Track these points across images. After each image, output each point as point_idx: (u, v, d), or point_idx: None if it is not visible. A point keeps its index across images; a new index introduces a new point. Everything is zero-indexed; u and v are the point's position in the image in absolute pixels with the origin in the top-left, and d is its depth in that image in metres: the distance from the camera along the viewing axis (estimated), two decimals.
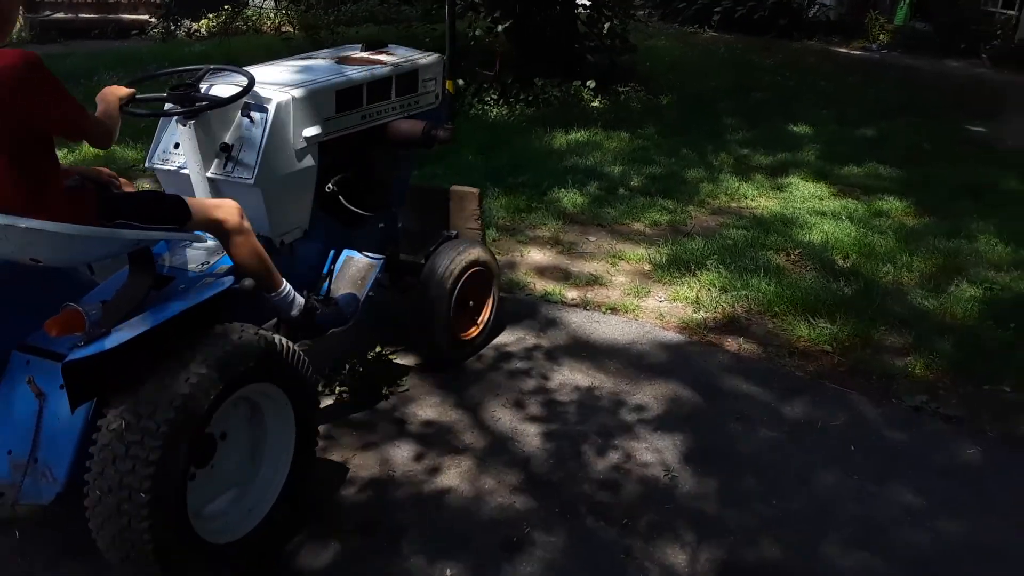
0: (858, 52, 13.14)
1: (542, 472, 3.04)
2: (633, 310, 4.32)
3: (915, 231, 5.52)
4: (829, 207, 6.00)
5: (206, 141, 2.84)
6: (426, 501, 2.88)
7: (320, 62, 3.38)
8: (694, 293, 4.52)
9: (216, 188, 2.87)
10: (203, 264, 2.75)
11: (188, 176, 2.87)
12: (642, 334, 4.07)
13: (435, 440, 3.20)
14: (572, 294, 4.49)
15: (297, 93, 2.93)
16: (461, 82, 7.93)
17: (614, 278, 4.76)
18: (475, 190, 3.83)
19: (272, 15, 13.17)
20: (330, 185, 3.18)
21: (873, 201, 6.14)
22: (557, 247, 5.15)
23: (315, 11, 12.97)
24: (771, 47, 12.85)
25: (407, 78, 3.45)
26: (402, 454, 3.12)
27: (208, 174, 2.85)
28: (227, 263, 2.73)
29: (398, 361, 3.68)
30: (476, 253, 3.59)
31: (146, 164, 3.06)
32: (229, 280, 2.54)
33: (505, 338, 3.97)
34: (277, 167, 2.89)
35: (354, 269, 3.21)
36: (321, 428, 3.01)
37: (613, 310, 4.33)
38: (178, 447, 2.19)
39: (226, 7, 12.75)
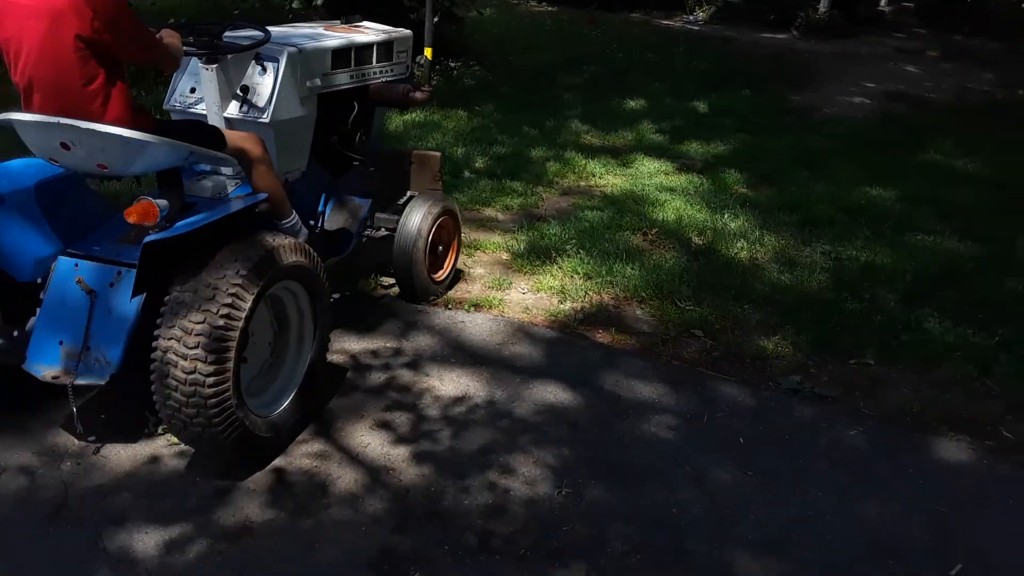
0: (678, 24, 13.44)
1: (423, 504, 2.72)
2: (497, 305, 4.05)
3: (758, 204, 5.58)
4: (676, 183, 5.98)
5: (225, 85, 3.23)
6: (291, 558, 2.49)
7: (312, 28, 3.87)
8: (558, 282, 4.31)
9: (232, 127, 3.18)
10: (220, 193, 3.15)
11: (204, 116, 3.25)
12: (511, 332, 3.81)
13: (298, 479, 2.81)
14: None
15: (303, 48, 3.37)
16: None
17: (472, 270, 4.47)
18: (437, 153, 4.25)
19: None
20: (330, 135, 3.69)
21: (715, 176, 6.18)
22: None
23: None
24: (595, 19, 12.89)
25: (385, 47, 3.88)
26: (260, 502, 2.70)
27: (225, 114, 3.24)
28: (242, 192, 3.13)
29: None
30: (446, 204, 4.00)
31: (164, 105, 3.41)
32: (254, 198, 2.94)
33: (362, 344, 3.60)
34: (286, 110, 3.31)
35: (345, 209, 3.69)
36: None
37: (476, 306, 4.04)
38: (237, 324, 2.50)
39: None
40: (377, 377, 3.39)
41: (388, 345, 3.63)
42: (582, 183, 5.98)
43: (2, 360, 2.80)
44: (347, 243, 3.58)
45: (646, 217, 5.22)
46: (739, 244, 4.86)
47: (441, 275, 4.11)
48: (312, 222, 3.55)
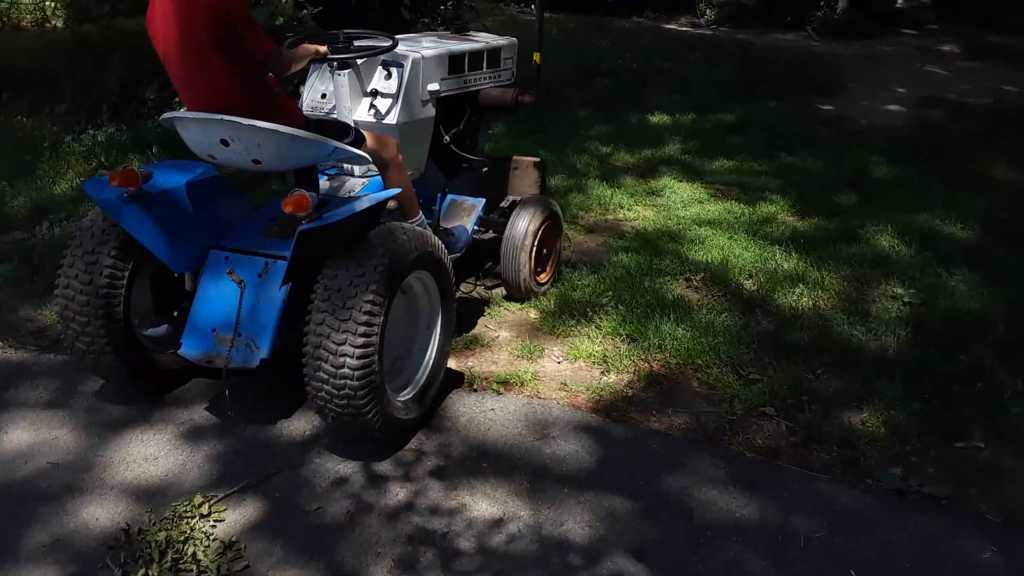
0: (689, 29, 12.86)
1: None
2: (530, 381, 3.46)
3: (809, 237, 4.98)
4: (713, 213, 5.38)
5: (355, 89, 3.48)
6: None
7: (425, 37, 4.10)
8: (598, 347, 3.71)
9: (361, 128, 3.32)
10: (350, 192, 3.47)
11: (335, 120, 3.40)
12: (550, 419, 3.21)
13: None
14: (450, 364, 3.56)
15: (426, 54, 3.58)
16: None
17: (497, 334, 3.88)
18: (540, 159, 4.38)
19: (32, 8, 11.16)
20: (445, 137, 3.88)
21: (755, 202, 5.58)
22: None
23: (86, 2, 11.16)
24: (603, 26, 12.31)
25: (494, 55, 4.07)
26: None
27: (355, 117, 3.47)
28: (370, 191, 3.38)
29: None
30: (552, 208, 4.10)
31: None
32: (388, 193, 3.06)
33: (371, 450, 3.00)
34: (412, 112, 3.55)
35: (460, 209, 3.86)
36: None
37: (506, 384, 3.44)
38: (379, 308, 2.67)
39: None
40: (396, 494, 2.79)
41: (409, 447, 3.03)
42: (609, 217, 5.38)
43: (157, 347, 3.11)
44: (462, 241, 3.73)
45: (687, 259, 4.62)
46: (797, 290, 4.26)
47: (545, 277, 4.18)
48: (429, 220, 3.65)
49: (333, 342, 2.64)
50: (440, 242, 3.08)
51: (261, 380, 3.17)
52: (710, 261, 4.59)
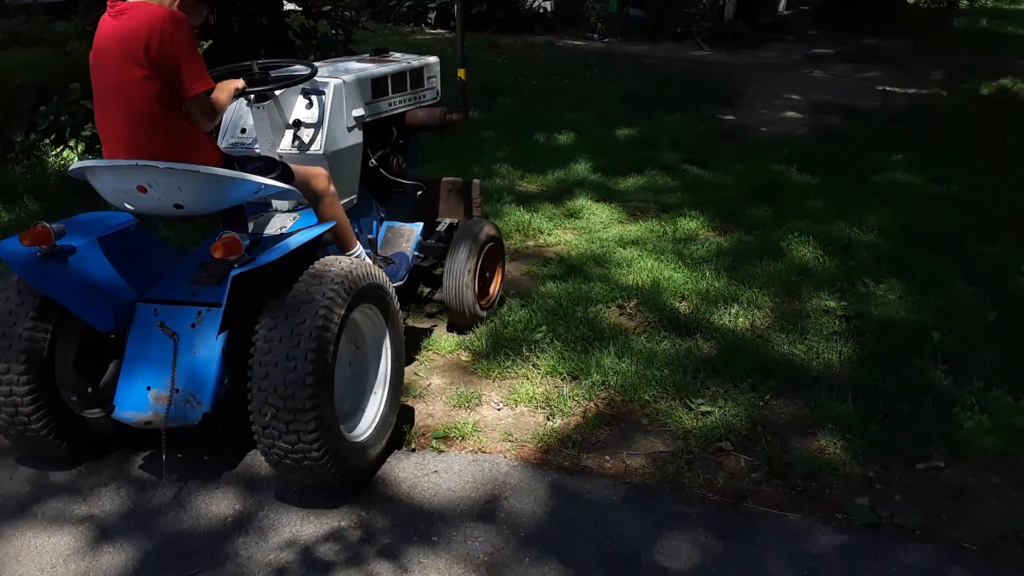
0: (582, 43, 12.87)
1: None
2: (472, 434, 3.20)
3: (734, 252, 4.91)
4: (635, 233, 5.26)
5: (275, 121, 3.33)
6: None
7: (343, 61, 3.95)
8: (539, 389, 3.49)
9: (286, 161, 3.19)
10: (280, 228, 3.29)
11: (259, 155, 3.23)
12: (499, 477, 2.97)
13: None
14: None
15: (347, 79, 3.44)
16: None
17: (428, 382, 3.61)
18: (476, 180, 4.31)
19: None
20: (372, 161, 3.73)
21: (674, 219, 5.48)
22: None
23: None
24: (496, 43, 12.18)
25: (416, 74, 3.97)
26: None
27: (279, 150, 3.33)
28: (303, 226, 3.19)
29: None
30: (492, 231, 4.00)
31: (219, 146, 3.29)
32: (321, 227, 2.93)
33: (314, 527, 2.68)
34: (338, 140, 3.40)
35: (398, 236, 3.84)
36: None
37: (446, 440, 3.18)
38: (327, 351, 2.55)
39: None
40: None
41: (345, 524, 2.72)
42: (530, 243, 5.19)
43: (86, 412, 2.86)
44: (403, 269, 3.69)
45: (617, 284, 4.46)
46: (732, 310, 4.15)
47: (487, 301, 4.07)
48: (368, 250, 3.57)
49: (280, 395, 2.49)
50: (381, 271, 2.96)
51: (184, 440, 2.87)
52: (640, 284, 4.44)
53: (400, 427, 3.16)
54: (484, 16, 13.42)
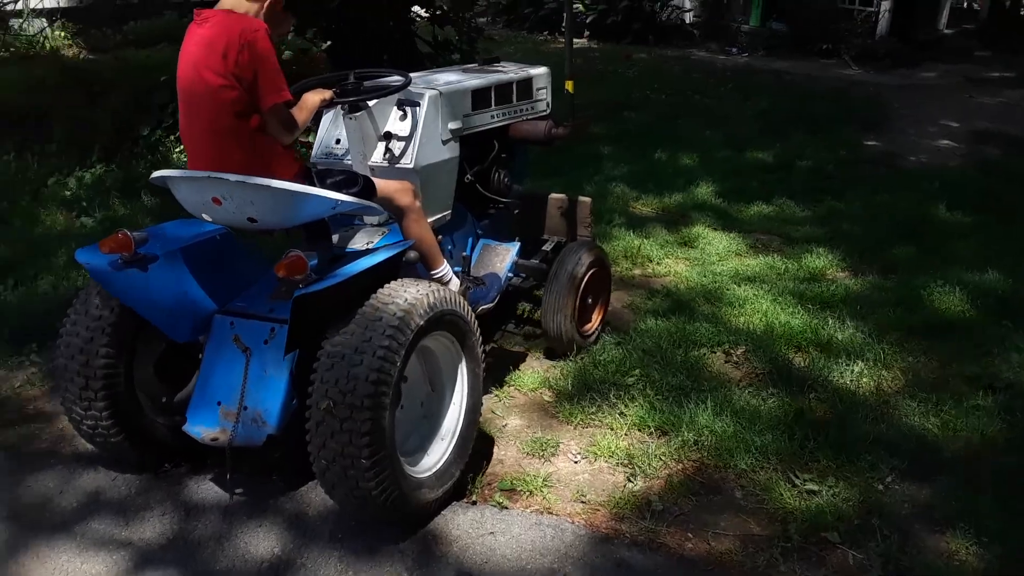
0: (720, 57, 12.31)
1: None
2: (540, 489, 2.88)
3: (865, 299, 4.37)
4: (753, 268, 4.80)
5: (369, 132, 3.19)
6: None
7: (450, 71, 3.82)
8: (622, 443, 3.14)
9: (376, 175, 3.08)
10: (368, 243, 3.09)
11: (350, 167, 3.16)
12: (562, 547, 2.63)
13: None
14: None
15: (443, 90, 3.30)
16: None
17: (505, 422, 3.32)
18: (587, 199, 4.09)
19: (41, 39, 10.86)
20: (469, 176, 3.54)
21: (799, 255, 4.98)
22: None
23: (98, 32, 10.84)
24: (629, 55, 11.80)
25: (524, 86, 3.81)
26: None
27: (370, 162, 3.20)
28: (390, 242, 3.06)
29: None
30: (598, 254, 3.80)
31: (312, 158, 3.35)
32: (402, 246, 2.82)
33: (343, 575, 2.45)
34: (431, 154, 3.24)
35: (493, 255, 3.65)
36: None
37: (511, 493, 2.87)
38: (390, 378, 2.39)
39: None
40: None
41: None
42: (636, 272, 4.82)
43: (159, 418, 2.83)
44: (493, 291, 3.49)
45: (726, 325, 4.03)
46: (856, 367, 3.65)
47: (590, 328, 3.85)
48: (460, 268, 3.44)
49: (337, 439, 2.36)
50: (461, 298, 2.78)
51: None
52: (752, 329, 4.00)
53: (465, 473, 2.88)
54: (619, 27, 13.08)
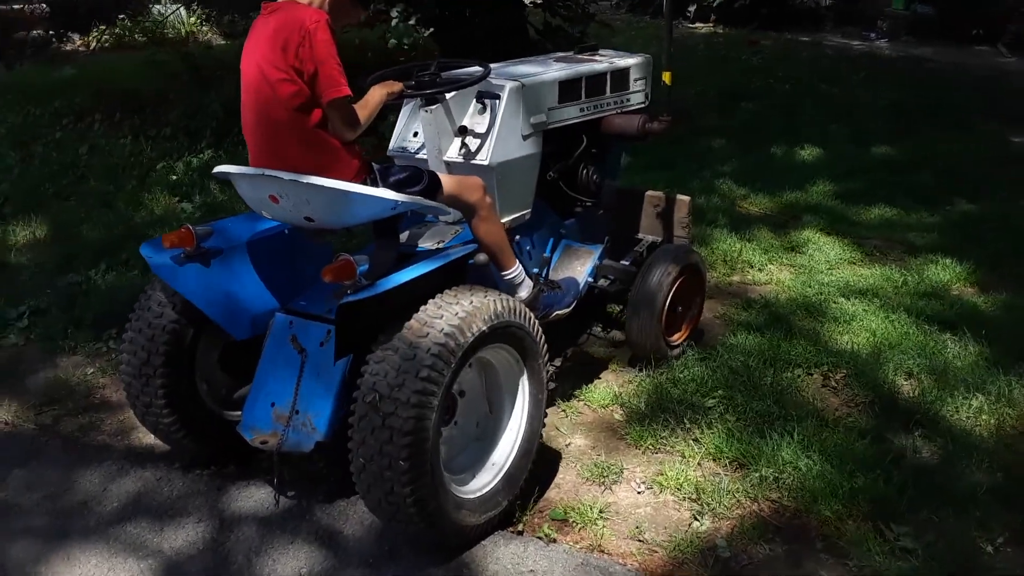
0: (856, 43, 11.49)
1: None
2: (595, 522, 2.64)
3: (994, 320, 3.88)
4: (866, 280, 4.35)
5: (445, 126, 3.01)
6: None
7: (538, 60, 3.60)
8: (692, 473, 2.85)
9: (453, 171, 2.98)
10: (439, 241, 3.02)
11: (426, 161, 3.02)
12: None
13: None
14: None
15: (526, 82, 3.12)
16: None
17: (568, 441, 3.09)
18: (687, 197, 3.80)
19: (179, 24, 11.30)
20: (551, 173, 3.36)
21: (922, 266, 4.50)
22: None
23: (231, 18, 11.16)
24: (755, 40, 11.18)
25: (619, 76, 3.58)
26: None
27: (445, 157, 3.02)
28: (461, 241, 2.96)
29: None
30: (691, 259, 3.56)
31: (389, 151, 3.25)
32: (467, 249, 2.70)
33: None
34: (508, 150, 3.07)
35: (573, 257, 3.47)
36: None
37: (562, 524, 2.65)
38: (436, 389, 2.26)
39: (121, 16, 10.88)
40: None
41: None
42: (734, 279, 4.46)
43: (226, 414, 2.79)
44: (570, 296, 3.29)
45: (826, 344, 3.65)
46: (974, 402, 3.22)
47: (678, 338, 3.63)
48: (537, 270, 3.25)
49: (377, 436, 2.24)
50: (528, 311, 2.61)
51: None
52: (857, 350, 3.60)
53: (513, 502, 2.67)
54: (746, 10, 12.42)
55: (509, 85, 3.06)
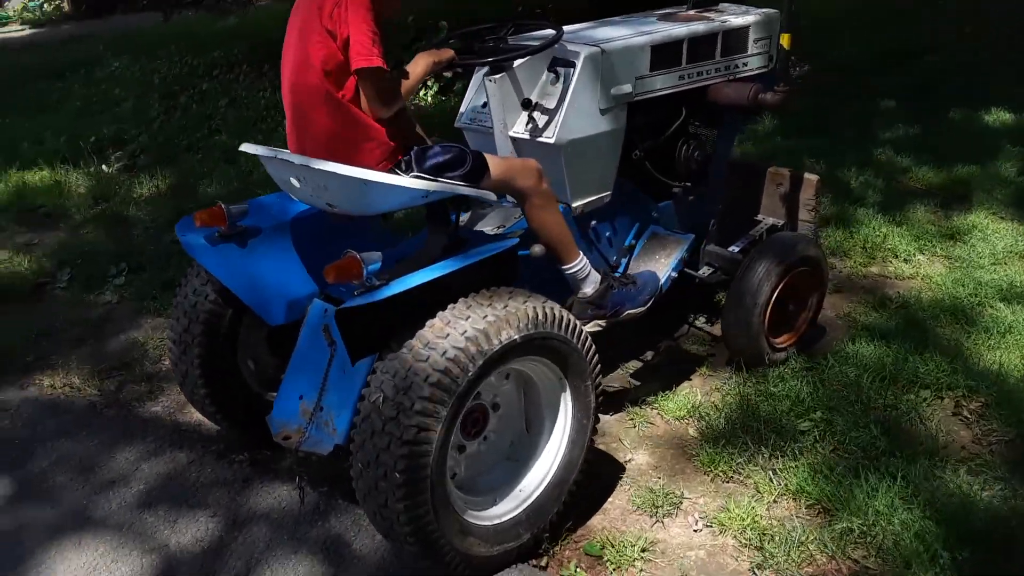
0: None
1: None
2: (632, 564, 2.29)
3: None
4: None
5: (511, 98, 2.70)
6: None
7: (636, 20, 3.14)
8: (763, 512, 2.43)
9: (519, 147, 2.73)
10: (499, 227, 2.75)
11: (445, 146, 2.63)
12: None
13: None
14: None
15: (607, 46, 2.72)
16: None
17: (629, 457, 2.73)
18: (815, 177, 3.31)
19: None
20: (637, 151, 2.95)
21: None
22: None
23: None
24: None
25: (734, 36, 3.10)
26: None
27: (511, 133, 2.73)
28: (522, 228, 2.68)
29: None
30: (807, 250, 3.08)
31: (456, 124, 2.99)
32: (511, 242, 2.34)
33: None
34: (581, 126, 2.71)
35: (658, 246, 3.07)
36: None
37: (595, 562, 2.31)
38: (446, 399, 2.00)
39: None
40: None
41: None
42: (872, 270, 3.85)
43: (264, 395, 2.67)
44: (646, 293, 2.83)
45: (967, 362, 3.04)
46: None
47: (786, 341, 3.16)
48: (616, 259, 2.98)
49: (376, 441, 2.03)
50: (566, 315, 2.24)
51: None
52: (1004, 372, 2.97)
53: (538, 536, 2.35)
54: None
55: (585, 51, 2.67)
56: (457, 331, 2.03)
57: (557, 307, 2.23)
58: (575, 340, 2.25)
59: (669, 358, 3.22)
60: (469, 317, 2.07)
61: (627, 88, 2.78)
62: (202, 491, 2.65)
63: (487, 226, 2.83)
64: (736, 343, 3.07)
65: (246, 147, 2.44)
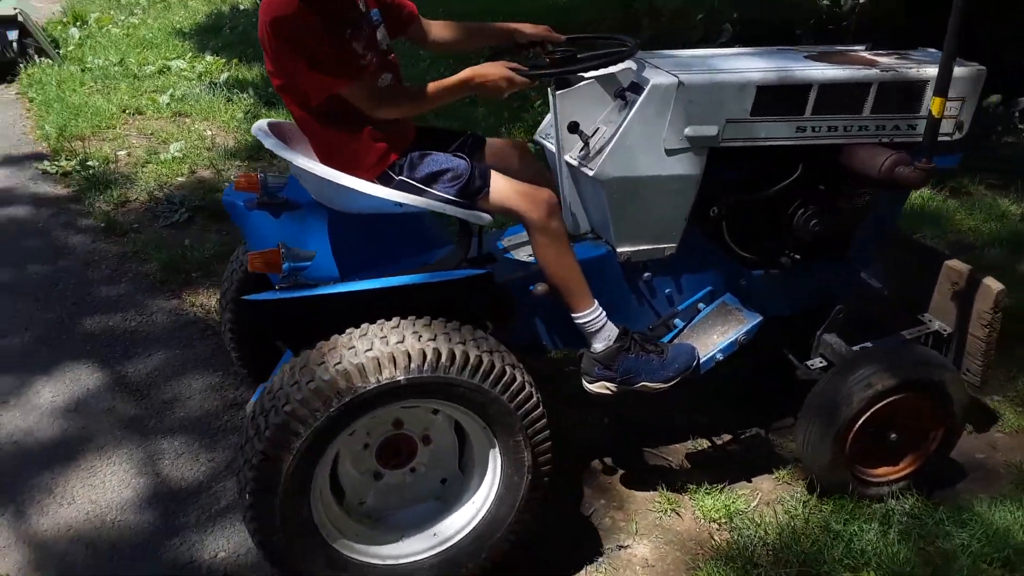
0: None
1: None
2: None
3: None
4: None
5: (566, 118, 2.40)
6: None
7: (777, 52, 2.68)
8: None
9: (573, 175, 2.48)
10: (531, 254, 2.45)
11: (448, 156, 2.42)
12: None
13: None
14: None
15: (688, 78, 2.32)
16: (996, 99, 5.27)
17: (628, 544, 2.38)
18: (998, 285, 2.64)
19: None
20: (715, 208, 2.51)
21: None
22: None
23: None
24: None
25: (901, 91, 2.48)
26: None
27: (566, 157, 2.46)
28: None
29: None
30: (930, 373, 2.46)
31: (536, 135, 2.74)
32: (464, 273, 2.19)
33: None
34: (634, 164, 2.37)
35: (719, 319, 2.61)
36: None
37: None
38: (291, 443, 1.88)
39: None
40: None
41: None
42: None
43: None
44: (672, 369, 2.41)
45: None
46: None
47: (885, 474, 2.59)
48: (672, 320, 2.61)
49: (242, 453, 1.97)
50: (500, 367, 2.00)
51: None
52: None
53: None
54: None
55: (658, 80, 2.29)
56: (331, 361, 1.88)
57: (477, 350, 1.97)
58: (494, 390, 1.97)
59: (751, 450, 2.75)
60: (353, 347, 1.91)
61: (710, 131, 2.35)
62: (221, 435, 2.82)
63: (515, 250, 2.59)
64: (810, 464, 2.54)
65: (258, 124, 2.41)
